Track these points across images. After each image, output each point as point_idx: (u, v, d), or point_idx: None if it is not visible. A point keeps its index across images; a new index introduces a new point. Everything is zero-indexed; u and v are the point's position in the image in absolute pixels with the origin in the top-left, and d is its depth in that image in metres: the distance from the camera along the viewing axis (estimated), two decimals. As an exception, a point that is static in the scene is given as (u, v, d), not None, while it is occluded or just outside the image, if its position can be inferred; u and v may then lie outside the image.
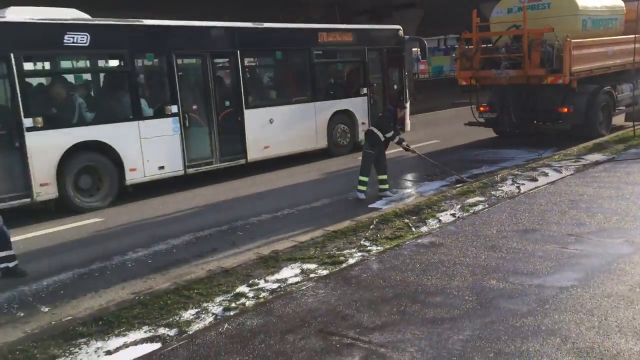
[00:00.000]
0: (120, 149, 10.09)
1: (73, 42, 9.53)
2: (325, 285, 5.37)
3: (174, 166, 10.90)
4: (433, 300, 4.85)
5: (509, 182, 9.41)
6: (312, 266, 6.02)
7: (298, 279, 5.69)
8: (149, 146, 10.45)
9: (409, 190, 10.02)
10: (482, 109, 14.52)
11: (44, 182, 9.20)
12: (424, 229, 7.17)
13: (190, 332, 4.68)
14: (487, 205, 7.98)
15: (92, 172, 9.85)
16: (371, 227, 7.33)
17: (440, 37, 48.07)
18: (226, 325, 4.62)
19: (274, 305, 4.96)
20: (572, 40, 12.58)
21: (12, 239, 6.82)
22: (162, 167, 10.73)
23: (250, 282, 5.70)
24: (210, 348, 4.28)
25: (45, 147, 9.18)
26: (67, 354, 4.49)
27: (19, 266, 6.76)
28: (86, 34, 9.63)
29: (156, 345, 4.53)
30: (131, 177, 10.32)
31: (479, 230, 6.80)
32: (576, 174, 9.51)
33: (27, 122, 8.99)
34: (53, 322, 5.34)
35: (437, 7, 27.07)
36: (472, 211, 7.74)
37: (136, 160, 10.34)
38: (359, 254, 6.34)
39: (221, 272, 6.04)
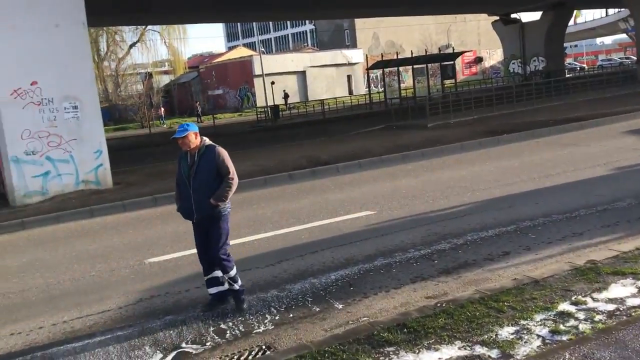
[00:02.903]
0: None
1: None
2: (685, 313, 4.16)
3: None
4: None
5: None
6: (651, 284, 4.81)
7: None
8: None
9: None
10: None
11: None
12: None
13: (518, 357, 3.92)
14: None
15: None
16: None
17: None
18: (567, 355, 3.76)
19: (624, 334, 3.94)
20: None
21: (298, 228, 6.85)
22: None
23: (574, 299, 4.73)
24: (553, 382, 3.47)
25: None
26: (378, 364, 4.10)
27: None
28: None
29: (478, 367, 3.88)
30: None
31: None
32: None
33: None
34: (351, 322, 5.07)
35: None
36: None
37: None
38: None
39: (531, 282, 5.18)
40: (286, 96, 41.31)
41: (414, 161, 13.49)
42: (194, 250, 7.77)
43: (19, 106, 12.16)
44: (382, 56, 39.63)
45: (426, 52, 42.08)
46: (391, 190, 10.40)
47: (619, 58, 69.45)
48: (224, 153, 5.50)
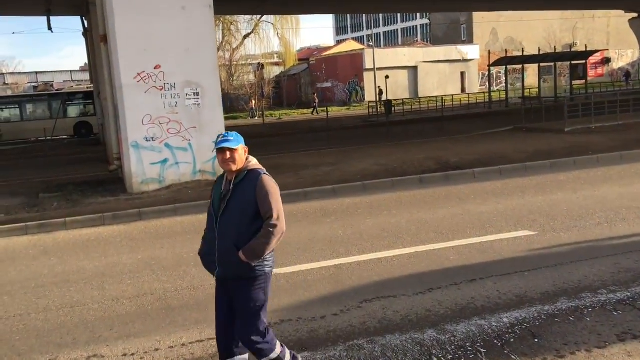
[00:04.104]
0: None
1: None
2: None
3: None
4: None
5: None
6: None
7: None
8: None
9: None
10: None
11: None
12: None
13: None
14: None
15: None
16: None
17: None
18: None
19: None
20: None
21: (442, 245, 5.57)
22: None
23: None
24: None
25: None
26: None
27: None
28: None
29: None
30: None
31: None
32: None
33: None
34: (553, 396, 3.75)
35: None
36: None
37: None
38: None
39: None
40: (380, 92, 39.87)
41: (565, 171, 11.67)
42: (324, 263, 6.78)
43: (142, 90, 11.76)
44: (505, 52, 37.05)
45: (555, 49, 38.89)
46: (548, 206, 8.82)
47: None
48: (270, 184, 3.74)
